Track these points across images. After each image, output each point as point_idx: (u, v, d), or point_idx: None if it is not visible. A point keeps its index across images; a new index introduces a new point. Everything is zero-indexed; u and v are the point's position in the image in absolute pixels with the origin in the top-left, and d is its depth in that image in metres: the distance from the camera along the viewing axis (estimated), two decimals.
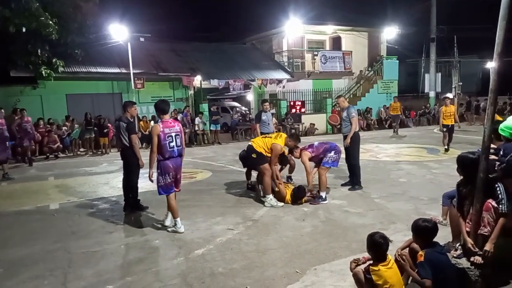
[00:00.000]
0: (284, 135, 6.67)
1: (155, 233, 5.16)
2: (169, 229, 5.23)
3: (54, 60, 13.70)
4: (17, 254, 4.63)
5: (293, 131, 16.06)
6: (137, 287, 3.68)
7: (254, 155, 6.36)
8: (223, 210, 6.10)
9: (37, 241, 5.03)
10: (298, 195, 6.29)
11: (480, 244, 3.19)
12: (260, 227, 5.26)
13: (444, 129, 11.18)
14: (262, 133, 8.57)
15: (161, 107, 5.22)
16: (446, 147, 11.12)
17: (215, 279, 3.79)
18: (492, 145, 3.44)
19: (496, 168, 3.42)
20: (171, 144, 5.06)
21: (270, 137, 6.53)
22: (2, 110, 9.71)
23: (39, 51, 13.15)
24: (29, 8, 11.35)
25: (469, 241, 3.21)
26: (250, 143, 6.58)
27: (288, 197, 6.32)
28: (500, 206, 3.17)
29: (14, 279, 3.95)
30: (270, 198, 6.24)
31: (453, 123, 11.28)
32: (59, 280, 3.90)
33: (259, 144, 6.40)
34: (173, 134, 5.10)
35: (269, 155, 6.31)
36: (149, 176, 5.10)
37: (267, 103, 8.95)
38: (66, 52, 14.04)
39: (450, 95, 17.93)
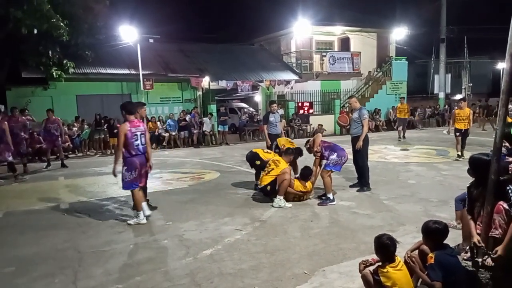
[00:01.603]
0: (282, 159, 6.70)
1: (163, 233, 5.20)
2: (131, 221, 5.55)
3: (64, 61, 13.86)
4: (28, 252, 4.69)
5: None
6: (146, 287, 3.71)
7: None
8: (231, 211, 6.12)
9: (48, 239, 5.09)
10: (305, 173, 6.60)
11: (491, 246, 3.15)
12: (268, 228, 5.27)
13: (457, 134, 10.08)
14: (269, 134, 8.55)
15: (128, 108, 5.66)
16: (458, 153, 10.11)
17: (224, 279, 3.80)
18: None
19: (510, 172, 3.38)
20: (136, 142, 5.50)
21: (273, 168, 6.50)
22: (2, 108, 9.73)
23: (50, 52, 13.32)
24: (41, 10, 11.47)
25: (476, 237, 3.16)
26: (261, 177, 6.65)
27: (296, 182, 6.50)
28: None
29: (25, 277, 4.00)
30: (280, 199, 6.25)
31: (467, 127, 10.02)
32: (70, 278, 3.94)
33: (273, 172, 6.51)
34: (139, 133, 5.54)
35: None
36: (113, 171, 5.47)
37: (274, 104, 8.93)
38: (77, 53, 14.19)
39: (459, 97, 17.66)
